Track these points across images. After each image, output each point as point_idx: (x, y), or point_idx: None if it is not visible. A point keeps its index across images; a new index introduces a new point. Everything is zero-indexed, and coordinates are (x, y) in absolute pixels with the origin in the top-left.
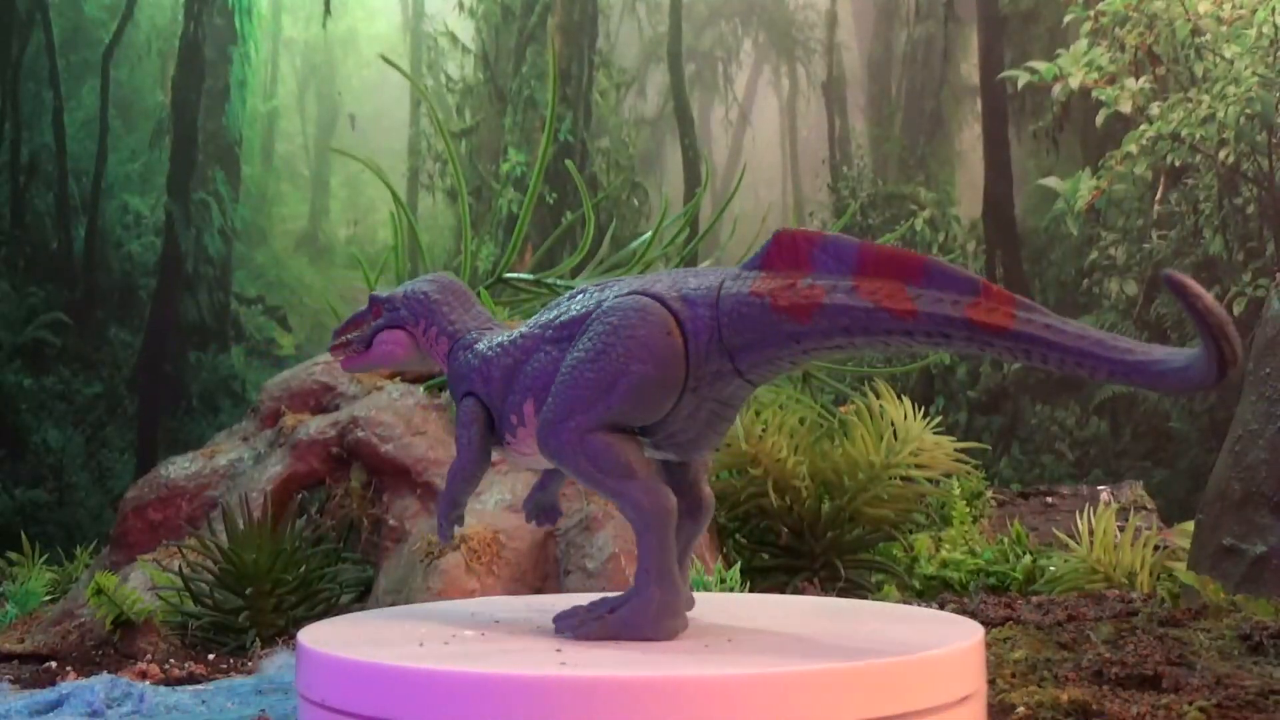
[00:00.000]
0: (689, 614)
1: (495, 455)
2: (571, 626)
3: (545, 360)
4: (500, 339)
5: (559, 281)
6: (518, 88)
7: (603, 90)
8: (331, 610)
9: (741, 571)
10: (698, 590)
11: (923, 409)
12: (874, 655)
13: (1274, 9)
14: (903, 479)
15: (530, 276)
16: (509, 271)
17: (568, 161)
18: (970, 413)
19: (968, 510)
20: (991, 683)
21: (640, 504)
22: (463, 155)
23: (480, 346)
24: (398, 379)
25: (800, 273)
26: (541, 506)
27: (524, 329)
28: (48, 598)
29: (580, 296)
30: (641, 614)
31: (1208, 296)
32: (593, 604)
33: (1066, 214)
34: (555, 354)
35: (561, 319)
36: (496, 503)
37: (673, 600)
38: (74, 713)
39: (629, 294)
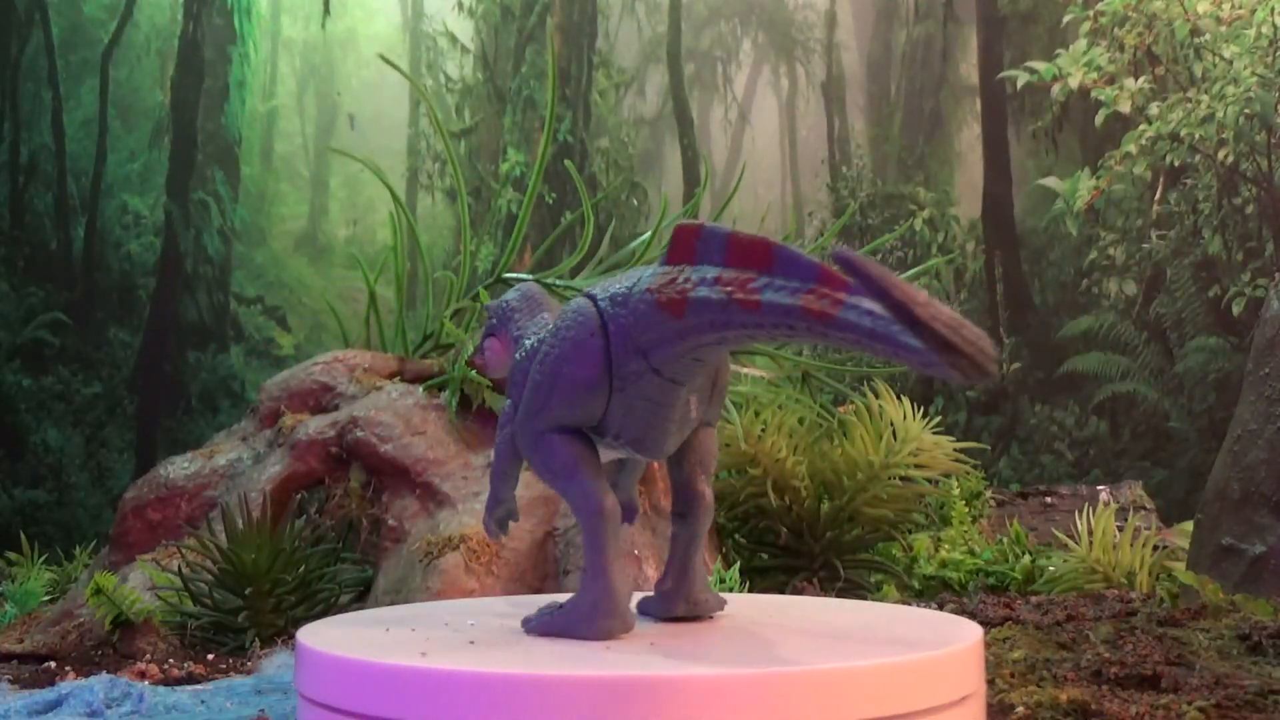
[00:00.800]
0: (721, 614)
1: None
2: (527, 622)
3: None
4: (527, 343)
5: (558, 282)
6: (517, 88)
7: (602, 90)
8: (330, 610)
9: (741, 571)
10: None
11: (922, 409)
12: (872, 656)
13: (1273, 9)
14: (902, 479)
15: (529, 277)
16: (508, 271)
17: (567, 161)
18: (969, 412)
19: (967, 510)
20: (991, 683)
21: (577, 504)
22: (462, 155)
23: (519, 353)
24: (397, 379)
25: (689, 266)
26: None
27: (543, 333)
28: (47, 598)
29: None
30: (576, 613)
31: (885, 276)
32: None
33: (1066, 214)
34: None
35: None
36: None
37: (605, 600)
38: (73, 713)
39: (579, 296)
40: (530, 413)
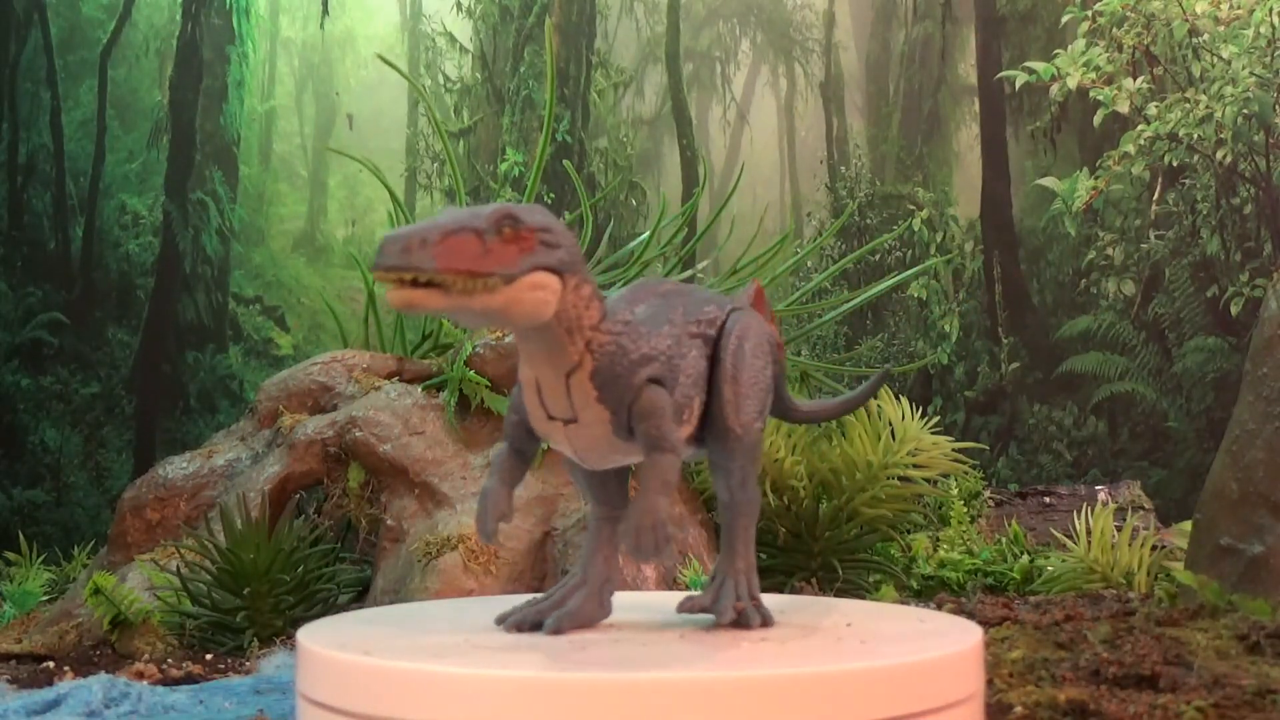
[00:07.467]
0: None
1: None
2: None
3: None
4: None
5: None
6: (515, 88)
7: (600, 90)
8: (329, 610)
9: None
10: (697, 590)
11: (920, 409)
12: (871, 657)
13: (1271, 9)
14: (900, 479)
15: None
16: None
17: (565, 162)
18: (968, 412)
19: (965, 510)
20: (989, 682)
21: (753, 495)
22: (460, 155)
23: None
24: (396, 379)
25: None
26: None
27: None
28: (45, 598)
29: None
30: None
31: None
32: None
33: (1064, 214)
34: None
35: None
36: None
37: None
38: (71, 713)
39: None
40: (760, 413)
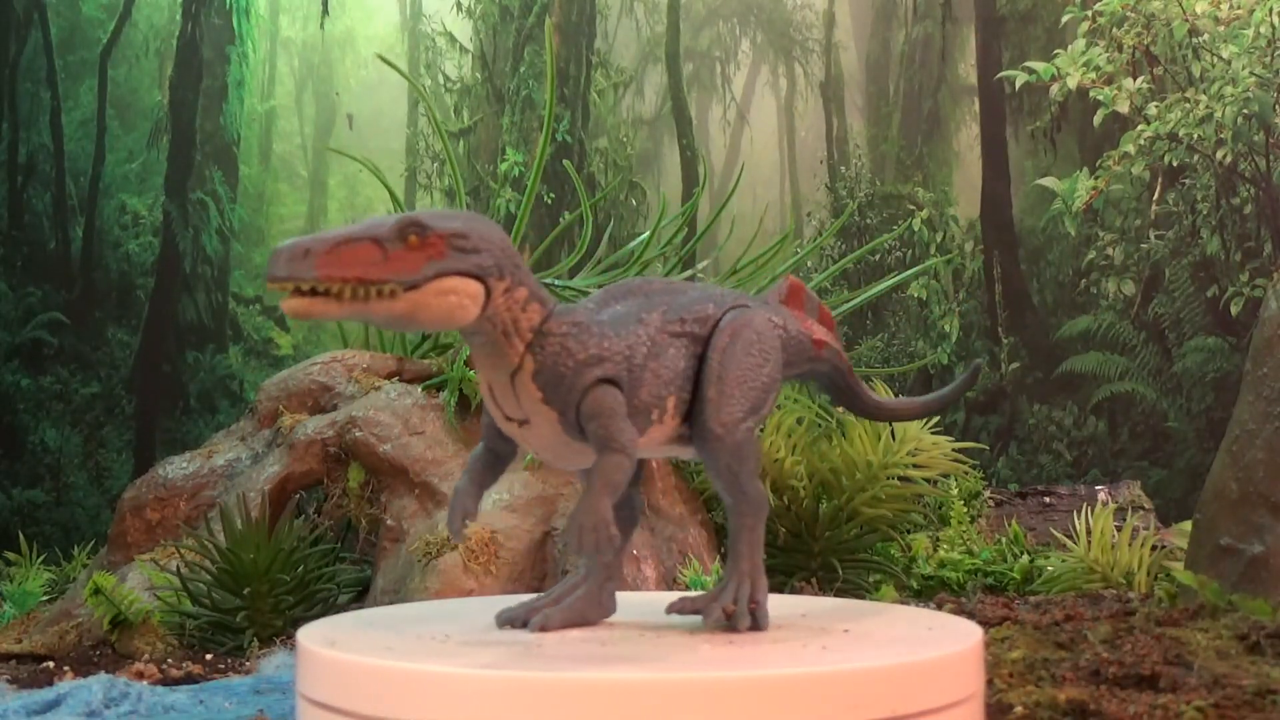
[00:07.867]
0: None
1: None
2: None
3: None
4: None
5: (557, 282)
6: (515, 88)
7: (600, 90)
8: (329, 610)
9: None
10: (696, 590)
11: None
12: (872, 657)
13: (1271, 9)
14: (900, 479)
15: None
16: None
17: (565, 161)
18: (968, 412)
19: (965, 510)
20: (989, 682)
21: (756, 499)
22: (460, 155)
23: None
24: (396, 379)
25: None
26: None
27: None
28: (45, 598)
29: None
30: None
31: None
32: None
33: (1064, 214)
34: None
35: None
36: (494, 502)
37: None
38: (71, 713)
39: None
40: (751, 411)
